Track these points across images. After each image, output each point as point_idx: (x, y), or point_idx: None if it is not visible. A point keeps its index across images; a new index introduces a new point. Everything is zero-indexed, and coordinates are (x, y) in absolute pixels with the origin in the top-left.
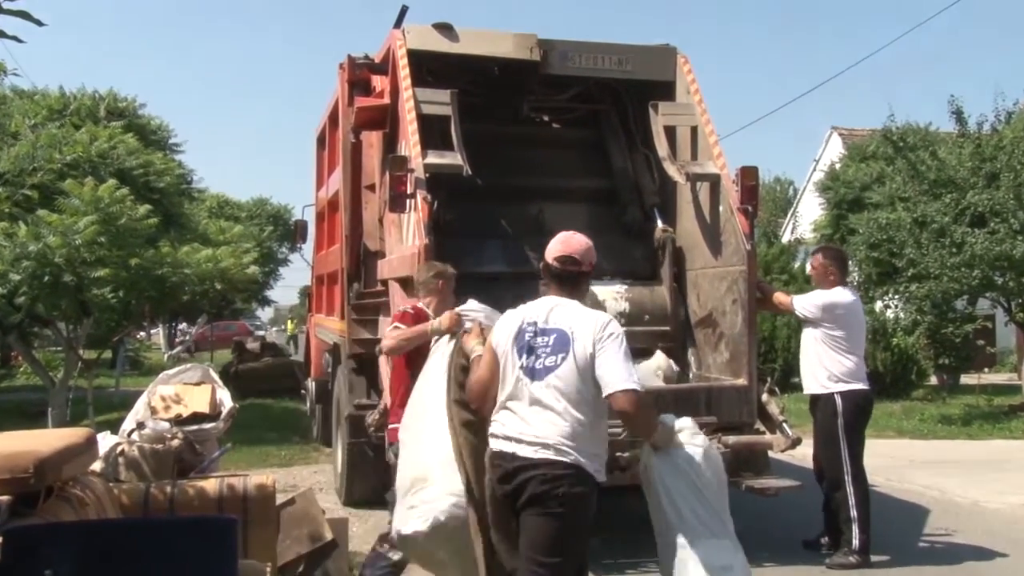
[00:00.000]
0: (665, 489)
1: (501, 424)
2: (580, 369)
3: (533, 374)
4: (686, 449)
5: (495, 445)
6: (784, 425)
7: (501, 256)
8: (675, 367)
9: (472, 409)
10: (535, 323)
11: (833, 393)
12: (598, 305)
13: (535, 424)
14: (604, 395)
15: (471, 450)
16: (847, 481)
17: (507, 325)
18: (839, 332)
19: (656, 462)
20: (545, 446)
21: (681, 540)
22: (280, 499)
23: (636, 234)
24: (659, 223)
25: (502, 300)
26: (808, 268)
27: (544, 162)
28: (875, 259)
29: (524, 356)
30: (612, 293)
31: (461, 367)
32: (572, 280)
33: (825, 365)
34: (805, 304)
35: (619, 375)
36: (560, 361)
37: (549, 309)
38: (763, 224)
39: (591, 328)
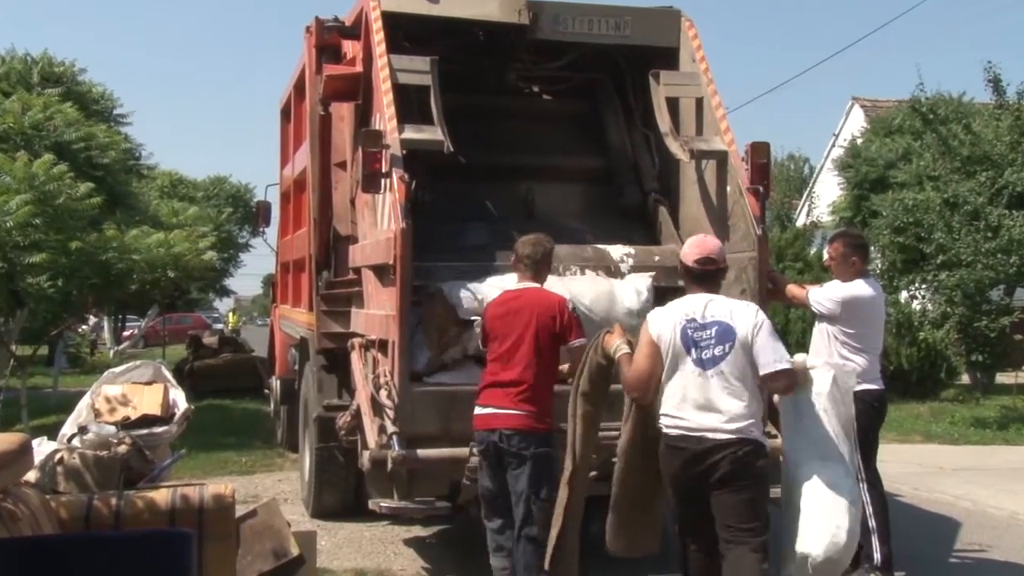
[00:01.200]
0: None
1: (680, 414)
2: (744, 354)
3: (703, 364)
4: (815, 386)
5: (676, 433)
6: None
7: (486, 242)
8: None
9: (593, 403)
10: (693, 319)
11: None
12: (615, 264)
13: (717, 409)
14: (762, 374)
15: (584, 440)
16: (862, 488)
17: (666, 321)
18: (855, 329)
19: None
20: (730, 429)
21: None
22: (240, 511)
23: (635, 217)
24: (652, 197)
25: (488, 289)
26: (825, 256)
27: (534, 138)
28: (900, 245)
29: (693, 350)
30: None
31: (599, 365)
32: (712, 277)
33: (836, 363)
34: (821, 298)
35: (774, 356)
36: (728, 350)
37: (704, 305)
38: (776, 206)
39: (748, 317)
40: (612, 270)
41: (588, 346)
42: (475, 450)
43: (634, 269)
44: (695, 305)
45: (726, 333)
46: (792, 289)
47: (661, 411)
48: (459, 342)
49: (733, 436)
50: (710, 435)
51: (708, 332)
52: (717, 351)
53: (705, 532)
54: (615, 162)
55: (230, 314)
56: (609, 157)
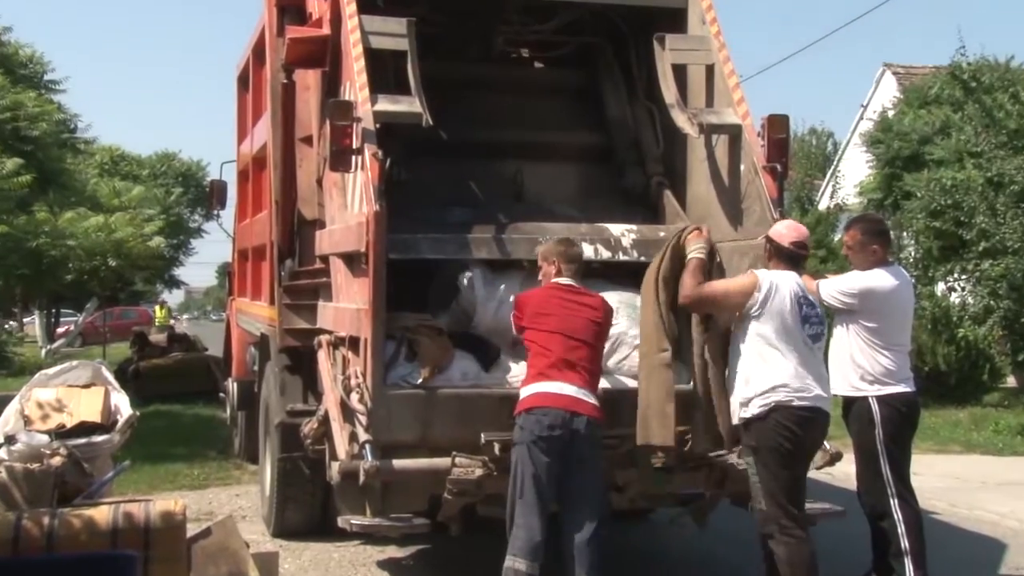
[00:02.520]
0: None
1: (806, 384)
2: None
3: (813, 339)
4: None
5: (807, 403)
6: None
7: (470, 228)
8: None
9: (673, 289)
10: (805, 296)
11: (868, 397)
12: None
13: (824, 382)
14: None
15: (672, 322)
16: (893, 506)
17: (782, 286)
18: (876, 323)
19: None
20: (826, 408)
21: None
22: (192, 530)
23: (636, 201)
24: (655, 180)
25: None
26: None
27: (524, 112)
28: (937, 230)
29: (805, 325)
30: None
31: (679, 258)
32: (803, 261)
33: (858, 363)
34: (834, 291)
35: None
36: (823, 332)
37: (802, 283)
38: (795, 187)
39: None
40: (612, 244)
41: (674, 235)
42: (537, 432)
43: (636, 246)
44: (798, 281)
45: (823, 318)
46: (807, 283)
47: (775, 382)
48: (448, 367)
49: (827, 414)
50: (823, 407)
51: (815, 310)
52: (819, 330)
53: (801, 509)
54: (615, 140)
55: (158, 308)
56: (608, 134)
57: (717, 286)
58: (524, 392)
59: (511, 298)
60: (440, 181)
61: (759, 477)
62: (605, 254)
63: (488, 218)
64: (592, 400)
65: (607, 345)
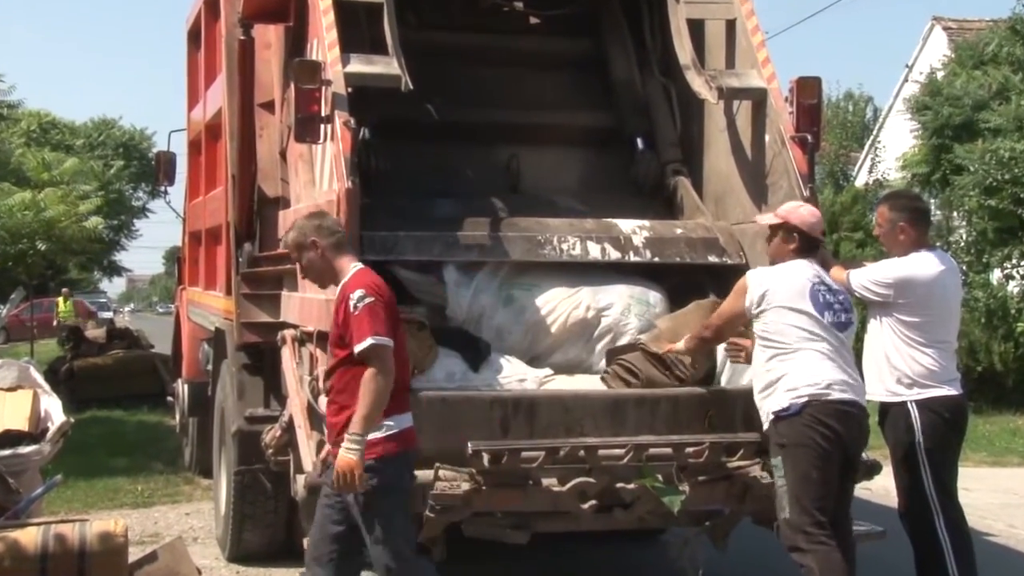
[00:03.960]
0: None
1: (836, 377)
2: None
3: (841, 328)
4: None
5: (844, 396)
6: None
7: (458, 224)
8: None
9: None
10: (824, 283)
11: (906, 402)
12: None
13: (857, 374)
14: None
15: None
16: (938, 525)
17: (788, 280)
18: (915, 318)
19: None
20: (862, 394)
21: None
22: (135, 554)
23: (649, 193)
24: (671, 167)
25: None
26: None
27: (520, 88)
28: (992, 209)
29: (827, 312)
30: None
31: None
32: (819, 249)
33: (894, 363)
34: (865, 281)
35: None
36: (851, 320)
37: (818, 268)
38: (828, 160)
39: None
40: (621, 243)
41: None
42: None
43: (649, 245)
44: (817, 271)
45: (849, 305)
46: (835, 272)
47: (806, 377)
48: (431, 367)
49: (865, 409)
50: (861, 400)
51: (838, 297)
52: (844, 318)
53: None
54: (625, 120)
55: (60, 300)
56: (617, 113)
57: (713, 318)
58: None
59: (491, 286)
60: (423, 170)
61: (786, 480)
62: (614, 254)
63: (479, 212)
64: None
65: (608, 339)
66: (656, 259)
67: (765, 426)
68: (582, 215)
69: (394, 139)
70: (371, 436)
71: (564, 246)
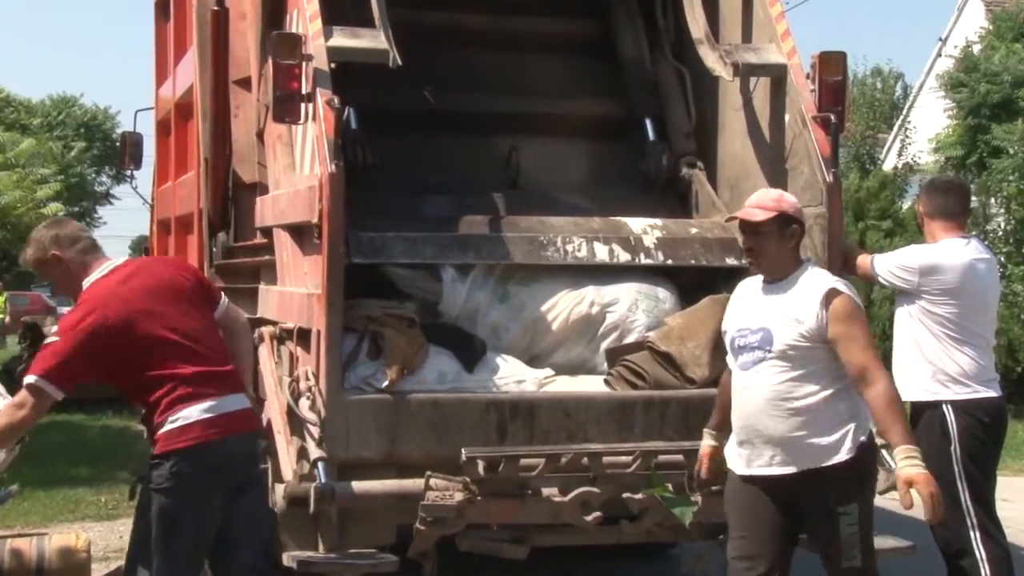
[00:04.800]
0: None
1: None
2: None
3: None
4: None
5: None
6: (884, 453)
7: (453, 224)
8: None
9: None
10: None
11: (941, 403)
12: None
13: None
14: None
15: None
16: (974, 540)
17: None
18: (947, 309)
19: None
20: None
21: None
22: (98, 570)
23: (663, 187)
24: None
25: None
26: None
27: (520, 74)
28: None
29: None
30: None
31: None
32: None
33: (929, 359)
34: (890, 266)
35: None
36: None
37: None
38: (854, 142)
39: None
40: (631, 244)
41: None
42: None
43: (661, 246)
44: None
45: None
46: (861, 260)
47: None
48: (421, 367)
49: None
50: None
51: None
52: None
53: None
54: (634, 102)
55: None
56: (626, 100)
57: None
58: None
59: (487, 280)
60: (414, 164)
61: (859, 524)
62: (623, 256)
63: (476, 210)
64: None
65: (614, 337)
66: (669, 261)
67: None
68: (588, 213)
69: (383, 130)
70: (160, 430)
71: (569, 247)
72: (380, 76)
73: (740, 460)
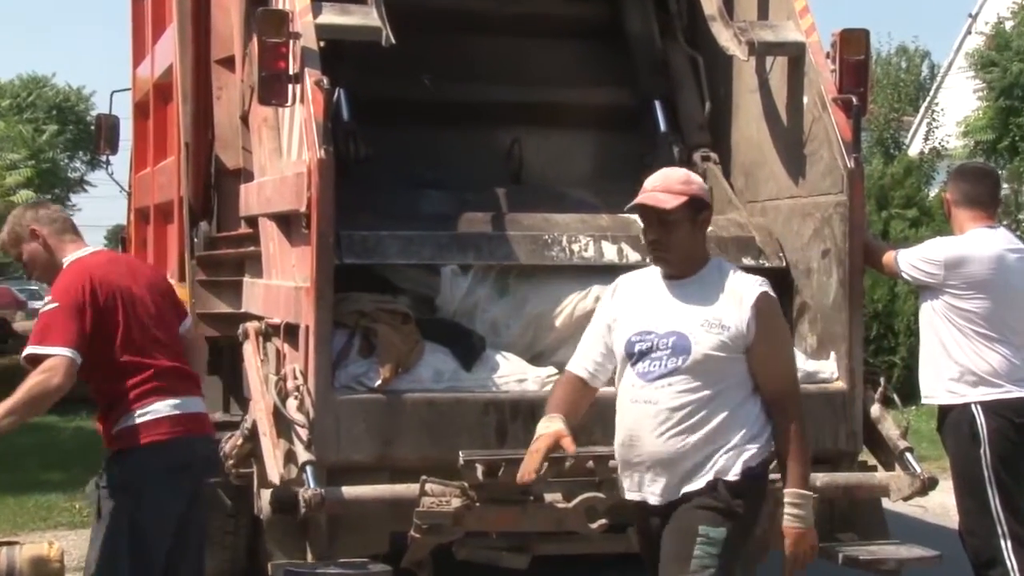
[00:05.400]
0: None
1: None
2: None
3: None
4: None
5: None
6: (908, 457)
7: (451, 222)
8: None
9: None
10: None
11: (971, 404)
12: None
13: None
14: None
15: None
16: (1005, 550)
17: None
18: (975, 304)
19: None
20: None
21: None
22: None
23: None
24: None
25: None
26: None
27: (523, 61)
28: None
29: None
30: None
31: None
32: None
33: (955, 357)
34: (913, 258)
35: None
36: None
37: None
38: (878, 125)
39: None
40: (641, 243)
41: None
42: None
43: None
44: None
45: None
46: (888, 256)
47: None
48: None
49: None
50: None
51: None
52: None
53: None
54: (643, 91)
55: None
56: (636, 91)
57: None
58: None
59: (488, 274)
60: (410, 157)
61: (719, 556)
62: (632, 256)
63: (475, 207)
64: None
65: None
66: None
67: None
68: (595, 209)
69: (376, 121)
70: (119, 426)
71: (575, 246)
72: (374, 63)
73: (626, 484)
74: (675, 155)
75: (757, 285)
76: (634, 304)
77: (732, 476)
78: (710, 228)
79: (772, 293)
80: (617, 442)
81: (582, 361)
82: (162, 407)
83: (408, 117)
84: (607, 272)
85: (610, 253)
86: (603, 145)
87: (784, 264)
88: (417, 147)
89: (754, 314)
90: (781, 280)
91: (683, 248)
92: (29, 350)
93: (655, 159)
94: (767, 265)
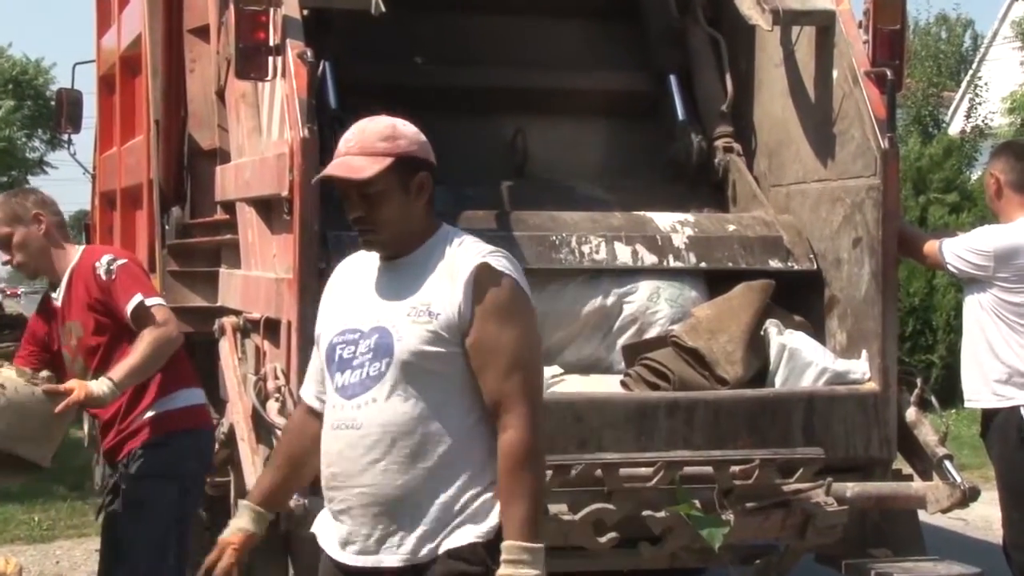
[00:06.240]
0: None
1: None
2: None
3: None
4: None
5: None
6: (947, 465)
7: (448, 221)
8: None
9: None
10: None
11: (1018, 408)
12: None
13: None
14: None
15: None
16: None
17: None
18: (1022, 298)
19: None
20: None
21: None
22: None
23: (694, 175)
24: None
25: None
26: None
27: (527, 41)
28: None
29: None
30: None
31: None
32: None
33: (1003, 357)
34: (957, 249)
35: None
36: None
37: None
38: (915, 101)
39: None
40: (659, 244)
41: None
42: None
43: (694, 246)
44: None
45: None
46: (929, 246)
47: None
48: None
49: None
50: None
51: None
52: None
53: None
54: (662, 85)
55: None
56: (651, 77)
57: None
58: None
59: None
60: None
61: None
62: (649, 259)
63: (475, 204)
64: None
65: (633, 331)
66: (702, 264)
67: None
68: (607, 207)
69: (366, 109)
70: (156, 410)
71: (585, 248)
72: (363, 44)
73: (334, 539)
74: (695, 146)
75: (478, 255)
76: (341, 296)
77: (487, 528)
78: (732, 227)
79: (506, 264)
80: (326, 486)
81: (309, 385)
82: (199, 394)
83: (400, 104)
84: (620, 277)
85: (624, 255)
86: (615, 135)
87: (815, 267)
88: None
89: (469, 291)
90: (812, 283)
91: (395, 224)
92: (143, 297)
93: (674, 150)
94: (796, 268)
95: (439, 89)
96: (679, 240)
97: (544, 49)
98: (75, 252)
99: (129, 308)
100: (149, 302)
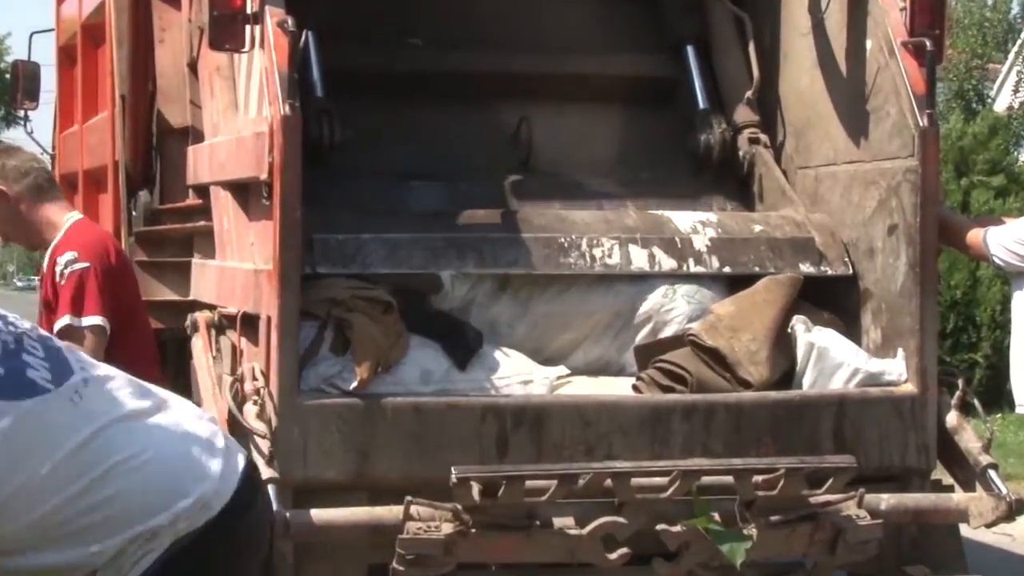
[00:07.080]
0: None
1: None
2: None
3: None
4: None
5: None
6: (992, 475)
7: (448, 220)
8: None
9: None
10: None
11: None
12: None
13: None
14: None
15: None
16: None
17: None
18: None
19: None
20: None
21: None
22: None
23: (717, 169)
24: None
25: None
26: None
27: (532, 21)
28: None
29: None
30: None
31: None
32: None
33: None
34: (1005, 239)
35: None
36: None
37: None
38: (957, 74)
39: None
40: (677, 246)
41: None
42: None
43: (716, 249)
44: None
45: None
46: (972, 236)
47: None
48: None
49: None
50: None
51: None
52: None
53: None
54: (680, 70)
55: None
56: (669, 60)
57: None
58: None
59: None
60: (398, 141)
61: None
62: (667, 263)
63: (476, 202)
64: None
65: (647, 331)
66: (727, 269)
67: None
68: (620, 204)
69: (356, 98)
70: None
71: (596, 251)
72: (353, 28)
73: None
74: (717, 136)
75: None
76: None
77: None
78: (759, 227)
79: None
80: None
81: None
82: None
83: (394, 92)
84: (635, 283)
85: (639, 259)
86: (630, 124)
87: (851, 271)
88: (404, 129)
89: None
90: (848, 289)
91: None
92: (69, 321)
93: (694, 142)
94: (830, 273)
95: (436, 74)
96: (700, 242)
97: (551, 30)
98: (63, 223)
99: (57, 327)
100: (85, 322)
